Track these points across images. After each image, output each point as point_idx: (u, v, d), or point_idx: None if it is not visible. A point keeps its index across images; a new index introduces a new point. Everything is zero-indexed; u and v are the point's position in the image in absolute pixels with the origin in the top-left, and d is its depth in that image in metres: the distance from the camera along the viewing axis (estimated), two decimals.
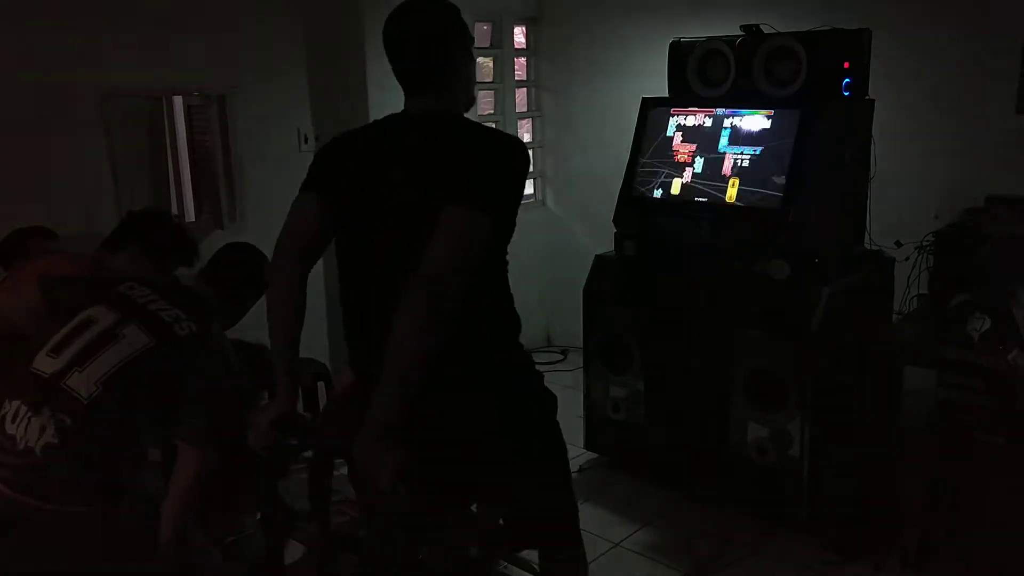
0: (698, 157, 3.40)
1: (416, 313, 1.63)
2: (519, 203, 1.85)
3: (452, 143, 1.82)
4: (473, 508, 2.13)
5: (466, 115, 1.94)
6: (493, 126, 4.93)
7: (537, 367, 2.10)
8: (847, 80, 3.23)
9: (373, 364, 1.71)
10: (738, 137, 3.31)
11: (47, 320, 2.02)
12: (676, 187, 3.42)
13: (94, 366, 1.89)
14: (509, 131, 5.02)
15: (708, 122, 3.41)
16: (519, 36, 5.19)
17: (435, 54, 1.83)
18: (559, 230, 5.31)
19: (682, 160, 3.44)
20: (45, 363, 1.93)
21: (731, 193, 3.26)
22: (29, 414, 1.87)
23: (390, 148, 1.88)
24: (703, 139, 3.41)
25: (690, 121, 3.47)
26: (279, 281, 1.94)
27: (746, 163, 3.26)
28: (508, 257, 1.91)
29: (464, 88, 1.91)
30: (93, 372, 1.88)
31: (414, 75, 1.86)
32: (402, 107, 1.94)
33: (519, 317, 1.98)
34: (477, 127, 1.89)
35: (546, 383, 2.09)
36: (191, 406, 1.98)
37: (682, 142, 3.46)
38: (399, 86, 1.93)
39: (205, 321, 2.03)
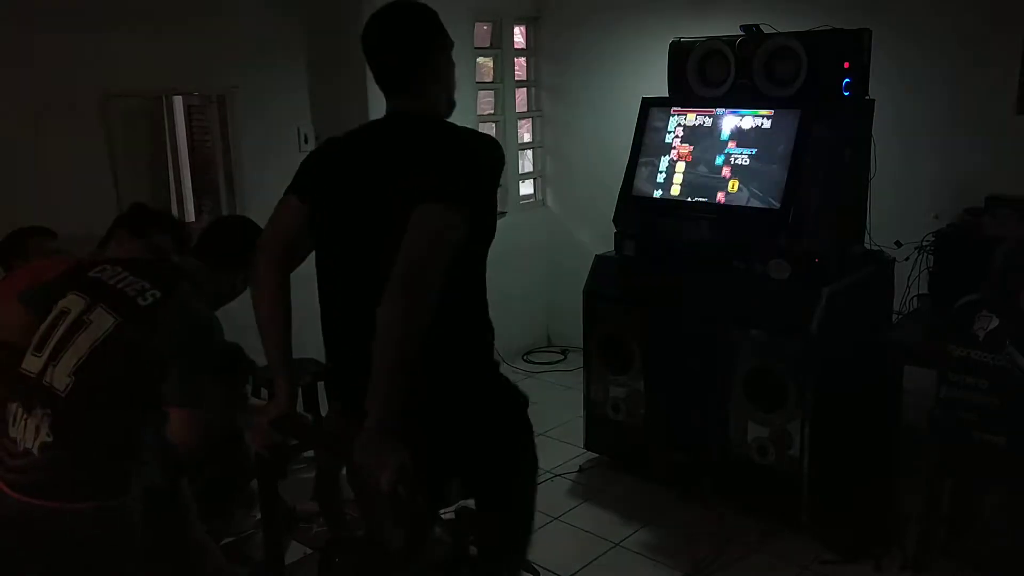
0: (698, 157, 3.40)
1: (395, 311, 1.65)
2: (494, 203, 1.86)
3: (424, 144, 1.84)
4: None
5: (456, 115, 1.96)
6: (493, 127, 4.94)
7: (509, 377, 2.08)
8: (847, 80, 3.23)
9: (355, 368, 1.72)
10: (738, 137, 3.31)
11: (35, 325, 2.03)
12: (676, 187, 3.43)
13: (66, 357, 1.90)
14: (509, 131, 5.04)
15: (708, 122, 3.41)
16: (519, 36, 5.19)
17: (412, 56, 1.86)
18: (559, 230, 5.31)
19: (682, 160, 3.44)
20: (31, 363, 1.95)
21: (731, 193, 3.26)
22: (25, 416, 1.90)
23: (366, 151, 1.90)
24: (703, 139, 3.41)
25: (690, 121, 3.47)
26: (261, 284, 1.95)
27: (746, 163, 3.26)
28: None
29: (444, 90, 1.93)
30: (66, 363, 1.90)
31: (392, 77, 1.88)
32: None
33: (492, 329, 1.98)
34: (450, 127, 1.91)
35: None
36: (167, 368, 1.95)
37: (682, 142, 3.46)
38: None
39: (170, 286, 2.02)
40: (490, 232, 1.87)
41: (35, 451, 1.87)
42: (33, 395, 1.91)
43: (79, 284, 2.04)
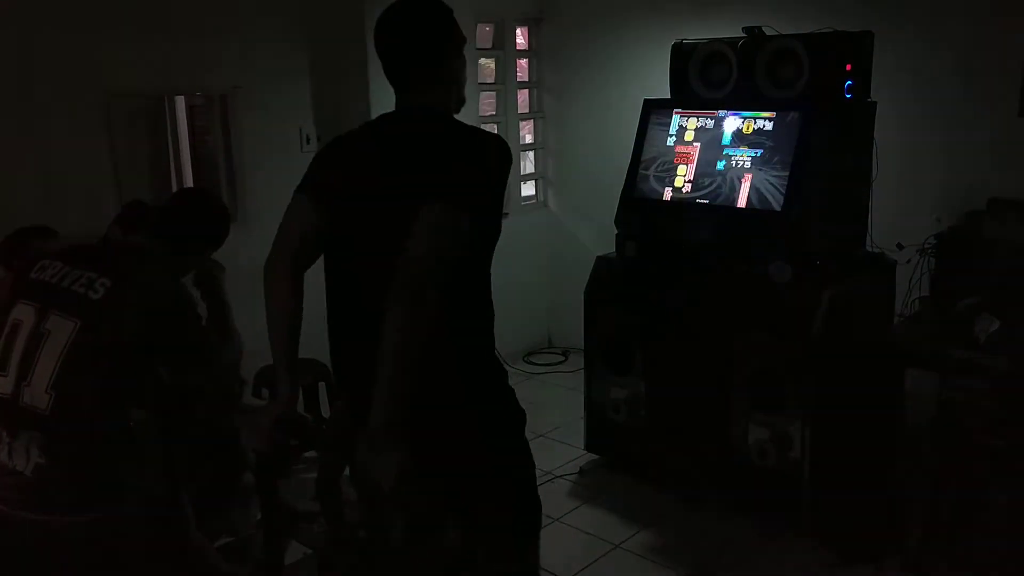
0: (699, 159, 3.40)
1: (399, 314, 1.65)
2: (500, 203, 1.85)
3: (430, 142, 1.83)
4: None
5: (458, 116, 1.94)
6: (495, 128, 4.94)
7: (510, 381, 2.06)
8: (849, 82, 3.23)
9: (362, 367, 1.72)
10: (740, 139, 3.31)
11: None
12: (678, 189, 3.42)
13: (37, 375, 1.81)
14: (511, 132, 5.03)
15: (710, 124, 3.41)
16: (521, 37, 5.20)
17: (422, 52, 1.85)
18: (560, 231, 5.31)
19: (684, 162, 3.44)
20: None
21: (732, 195, 3.26)
22: (9, 439, 1.83)
23: (374, 149, 1.89)
24: (705, 141, 3.41)
25: (692, 123, 3.47)
26: (274, 284, 1.93)
27: (747, 165, 3.26)
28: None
29: (453, 87, 1.92)
30: (39, 381, 1.81)
31: (401, 73, 1.87)
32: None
33: (493, 336, 1.97)
34: (457, 125, 1.89)
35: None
36: (152, 352, 1.90)
37: (684, 144, 3.46)
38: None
39: (119, 269, 1.91)
40: (495, 234, 1.86)
41: (28, 473, 1.80)
42: (14, 418, 1.82)
43: (25, 289, 1.92)
